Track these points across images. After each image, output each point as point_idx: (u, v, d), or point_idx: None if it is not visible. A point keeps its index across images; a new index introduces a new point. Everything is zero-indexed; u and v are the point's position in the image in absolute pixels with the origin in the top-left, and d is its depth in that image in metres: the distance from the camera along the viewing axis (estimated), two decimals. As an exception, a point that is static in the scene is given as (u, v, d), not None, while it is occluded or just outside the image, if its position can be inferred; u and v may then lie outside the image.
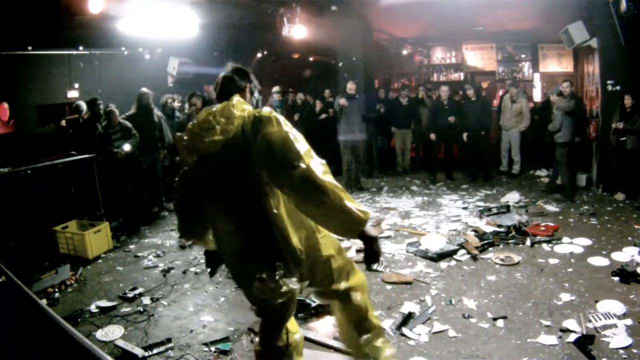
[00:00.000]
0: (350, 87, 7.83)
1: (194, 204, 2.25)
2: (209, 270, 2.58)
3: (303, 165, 1.89)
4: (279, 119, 1.98)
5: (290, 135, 1.95)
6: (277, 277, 2.05)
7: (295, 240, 2.09)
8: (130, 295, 4.17)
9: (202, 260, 4.99)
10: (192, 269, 4.80)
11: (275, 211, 2.04)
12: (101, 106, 6.74)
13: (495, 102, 9.78)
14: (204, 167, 2.11)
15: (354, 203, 1.93)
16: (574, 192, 6.87)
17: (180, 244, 4.48)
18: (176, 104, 7.96)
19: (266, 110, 2.03)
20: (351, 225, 1.92)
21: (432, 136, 8.41)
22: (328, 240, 2.31)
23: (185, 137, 2.12)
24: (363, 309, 2.47)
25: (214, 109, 2.05)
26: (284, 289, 2.08)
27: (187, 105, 7.59)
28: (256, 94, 2.31)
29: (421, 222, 6.05)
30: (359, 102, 7.99)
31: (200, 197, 2.20)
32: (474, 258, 4.68)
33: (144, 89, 6.77)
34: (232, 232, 2.12)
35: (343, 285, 2.38)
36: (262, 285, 2.07)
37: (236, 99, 2.08)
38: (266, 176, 1.99)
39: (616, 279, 4.01)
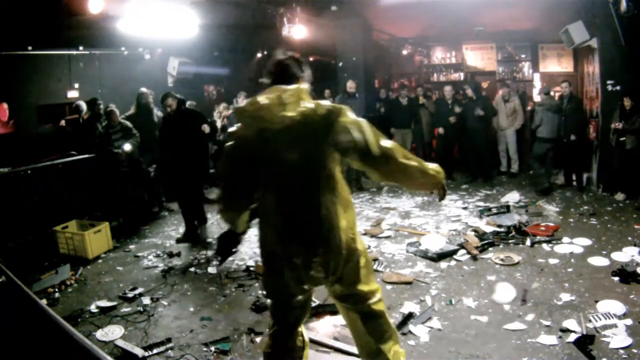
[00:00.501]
0: (350, 85, 7.84)
1: (244, 177, 2.21)
2: (218, 257, 2.55)
3: (386, 145, 2.14)
4: (346, 110, 2.14)
5: (366, 123, 2.15)
6: (312, 265, 2.10)
7: (343, 228, 2.13)
8: (130, 295, 4.17)
9: (202, 261, 5.00)
10: (192, 269, 4.80)
11: (331, 196, 2.11)
12: (101, 106, 6.74)
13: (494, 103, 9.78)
14: (265, 141, 2.10)
15: (427, 166, 2.25)
16: (550, 187, 7.24)
17: (176, 240, 4.30)
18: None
19: (331, 103, 2.17)
20: (434, 182, 2.31)
21: (441, 130, 8.31)
22: (359, 237, 2.31)
23: (250, 108, 2.11)
24: (382, 314, 2.38)
25: (287, 88, 2.10)
26: (307, 285, 2.20)
27: (187, 105, 7.60)
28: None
29: (421, 222, 6.05)
30: (358, 100, 8.00)
31: (252, 170, 2.17)
32: (474, 258, 4.68)
33: (144, 89, 6.78)
34: (280, 209, 2.12)
35: (366, 288, 2.30)
36: (293, 273, 2.13)
37: (304, 86, 2.16)
38: (340, 158, 2.13)
39: (616, 279, 4.01)
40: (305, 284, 2.20)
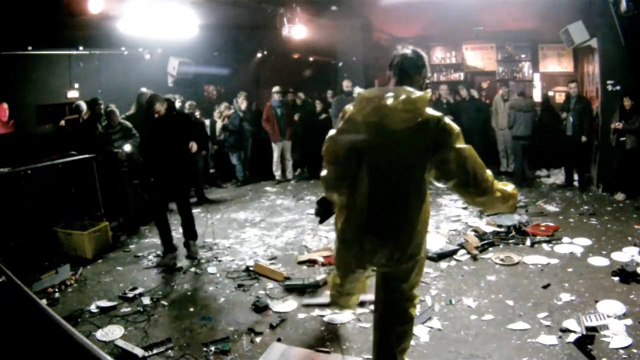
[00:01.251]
0: (347, 84, 7.93)
1: (348, 162, 2.31)
2: (318, 219, 2.86)
3: (487, 180, 2.25)
4: (460, 133, 2.24)
5: (473, 153, 2.24)
6: (378, 252, 2.31)
7: (416, 234, 2.32)
8: (130, 295, 4.17)
9: (202, 261, 5.00)
10: (192, 269, 4.80)
11: (417, 202, 2.29)
12: (102, 106, 6.74)
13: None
14: (377, 137, 2.22)
15: (508, 192, 2.35)
16: (524, 181, 7.74)
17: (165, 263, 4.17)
18: (177, 104, 7.98)
19: (448, 120, 2.23)
20: (511, 206, 2.41)
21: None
22: (425, 246, 2.47)
23: (374, 103, 2.21)
24: (411, 318, 2.56)
25: (413, 94, 2.18)
26: (367, 265, 2.44)
27: (186, 105, 7.61)
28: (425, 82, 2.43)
29: (421, 222, 6.05)
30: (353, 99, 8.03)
31: (355, 158, 2.28)
32: (474, 258, 4.68)
33: (144, 89, 6.77)
34: (370, 199, 2.27)
35: (409, 290, 2.48)
36: (360, 252, 2.36)
37: (428, 94, 2.24)
38: (436, 173, 2.25)
39: (616, 279, 4.01)
40: (366, 264, 2.43)
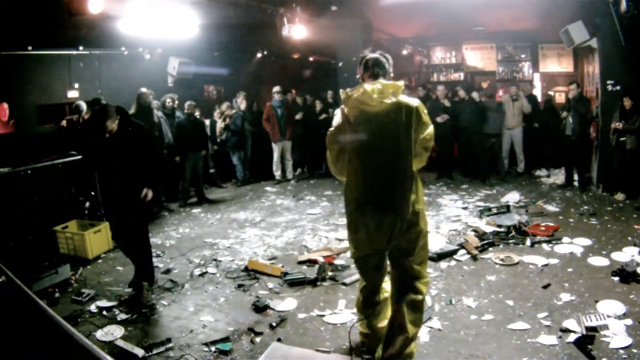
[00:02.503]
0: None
1: (343, 149, 2.80)
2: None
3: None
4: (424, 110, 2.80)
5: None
6: (381, 227, 2.69)
7: (411, 201, 2.71)
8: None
9: (202, 262, 5.00)
10: (193, 270, 4.80)
11: (406, 172, 2.70)
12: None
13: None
14: (365, 119, 2.71)
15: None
16: (489, 177, 8.13)
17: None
18: (175, 104, 7.99)
19: (416, 100, 2.75)
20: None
21: (440, 119, 8.28)
22: (425, 217, 2.83)
23: (355, 94, 2.71)
24: (422, 298, 2.85)
25: (387, 83, 2.72)
26: (375, 245, 2.80)
27: (186, 105, 7.61)
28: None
29: (421, 222, 6.05)
30: None
31: (351, 142, 2.75)
32: (474, 258, 4.68)
33: (144, 89, 6.77)
34: (365, 176, 2.74)
35: (417, 267, 2.81)
36: (366, 232, 2.75)
37: (401, 83, 2.74)
38: (415, 139, 2.71)
39: (616, 279, 4.01)
40: (374, 244, 2.77)
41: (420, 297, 2.84)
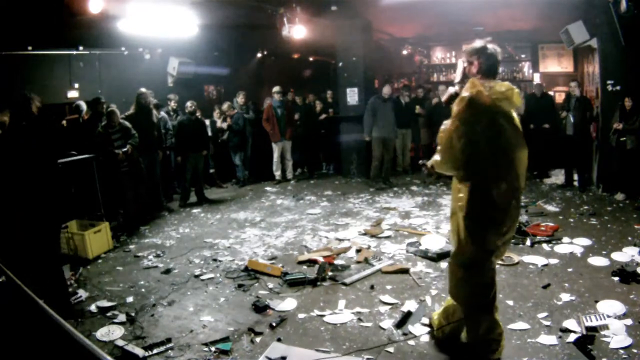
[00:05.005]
0: (387, 91, 8.11)
1: (465, 152, 2.65)
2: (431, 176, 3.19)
3: None
4: None
5: None
6: (507, 233, 2.78)
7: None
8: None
9: (202, 262, 5.00)
10: (193, 270, 4.80)
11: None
12: (105, 106, 6.72)
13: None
14: (499, 129, 2.61)
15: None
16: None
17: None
18: (173, 104, 8.02)
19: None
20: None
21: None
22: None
23: (493, 96, 2.59)
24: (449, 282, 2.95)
25: (509, 86, 2.64)
26: (500, 242, 2.83)
27: (188, 104, 7.62)
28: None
29: (421, 222, 6.05)
30: (391, 103, 8.28)
31: (477, 148, 2.62)
32: (474, 258, 4.67)
33: (142, 89, 6.78)
34: (500, 184, 2.64)
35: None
36: (496, 235, 2.77)
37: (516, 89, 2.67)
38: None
39: (616, 279, 4.00)
40: (498, 245, 2.76)
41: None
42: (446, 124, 2.70)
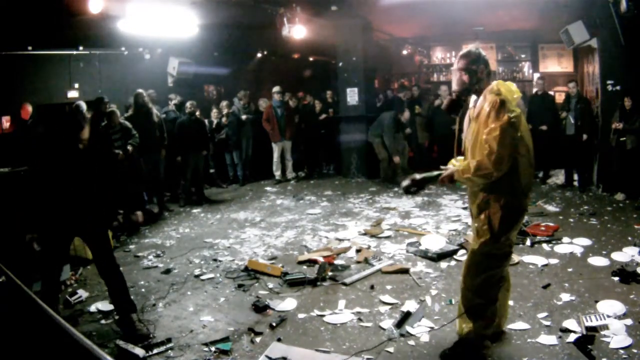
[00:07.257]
0: (406, 116, 8.46)
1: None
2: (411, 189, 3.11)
3: None
4: None
5: None
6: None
7: None
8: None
9: (202, 262, 5.00)
10: (193, 270, 4.80)
11: None
12: (107, 105, 6.71)
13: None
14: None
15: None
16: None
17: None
18: (176, 101, 8.03)
19: None
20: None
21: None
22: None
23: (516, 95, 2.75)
24: (469, 272, 2.90)
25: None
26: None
27: (187, 104, 7.62)
28: None
29: (421, 222, 6.05)
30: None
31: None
32: (474, 258, 4.67)
33: (140, 90, 6.79)
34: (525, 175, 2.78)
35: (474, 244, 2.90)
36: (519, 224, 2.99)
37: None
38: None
39: (616, 279, 4.00)
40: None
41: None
42: (476, 130, 2.75)
